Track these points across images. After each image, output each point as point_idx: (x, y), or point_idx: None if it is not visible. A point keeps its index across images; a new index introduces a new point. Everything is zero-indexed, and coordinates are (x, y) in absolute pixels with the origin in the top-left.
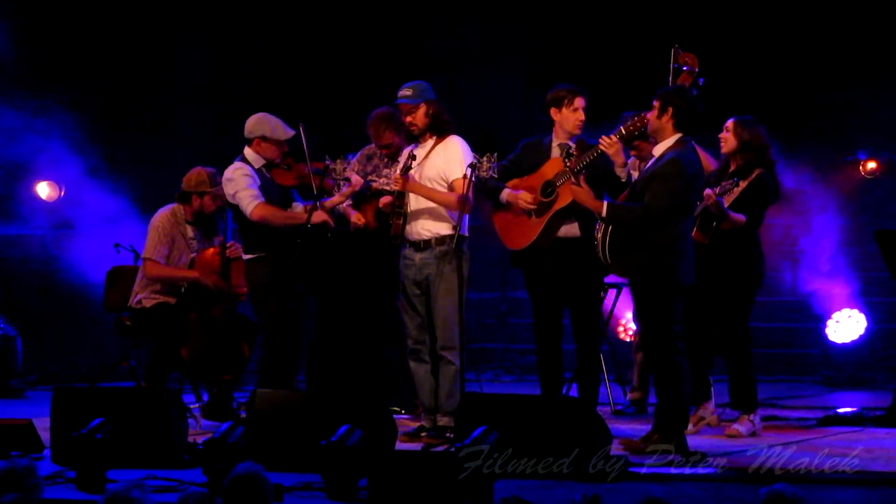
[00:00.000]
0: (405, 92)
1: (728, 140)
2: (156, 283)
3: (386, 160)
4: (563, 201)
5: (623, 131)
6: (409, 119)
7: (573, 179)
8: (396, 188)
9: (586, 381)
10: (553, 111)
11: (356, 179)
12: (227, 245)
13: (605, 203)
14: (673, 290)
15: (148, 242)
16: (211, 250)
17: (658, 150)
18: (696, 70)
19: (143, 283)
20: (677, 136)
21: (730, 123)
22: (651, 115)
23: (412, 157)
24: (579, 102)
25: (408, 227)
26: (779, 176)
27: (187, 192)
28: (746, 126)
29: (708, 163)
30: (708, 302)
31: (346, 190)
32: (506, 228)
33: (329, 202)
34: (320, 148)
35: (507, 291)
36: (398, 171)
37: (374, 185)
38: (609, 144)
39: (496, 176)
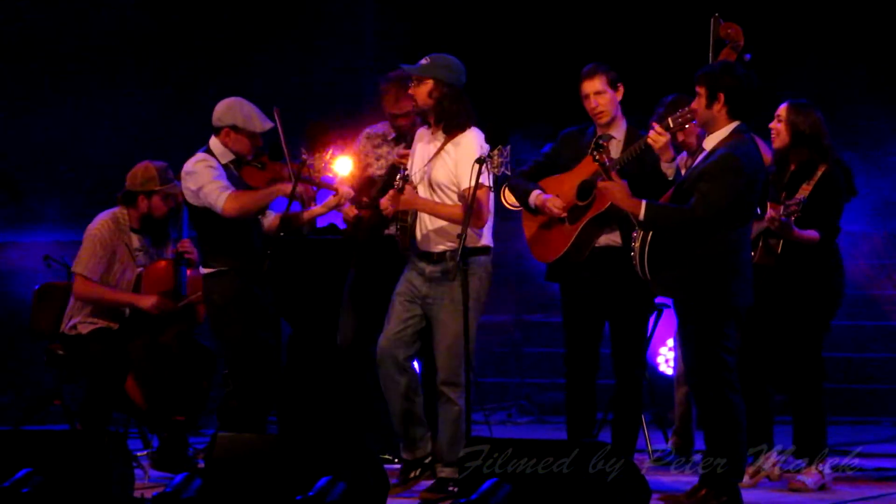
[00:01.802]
0: (423, 61)
1: (780, 132)
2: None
3: (391, 135)
4: (600, 206)
5: (671, 123)
6: (411, 90)
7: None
8: (394, 206)
9: (624, 422)
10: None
11: (344, 191)
12: (185, 251)
13: (644, 203)
14: (726, 313)
15: (81, 254)
16: (163, 263)
17: (709, 144)
18: (741, 44)
19: (79, 305)
20: (733, 125)
21: (781, 110)
22: (698, 105)
23: (404, 178)
24: (585, 88)
25: (419, 240)
26: (847, 165)
27: (132, 191)
28: (801, 112)
29: (765, 154)
30: (774, 327)
31: (330, 200)
32: (535, 237)
33: (308, 213)
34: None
35: (521, 314)
36: (394, 189)
37: (370, 170)
38: (657, 137)
39: (509, 172)
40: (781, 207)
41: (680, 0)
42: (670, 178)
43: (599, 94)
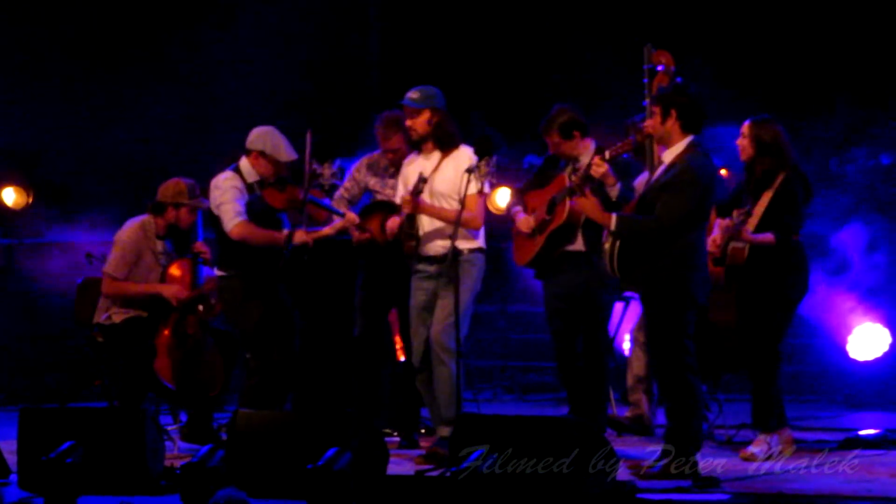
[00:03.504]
0: (412, 95)
1: (746, 147)
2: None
3: (391, 170)
4: (559, 219)
5: (607, 155)
6: (409, 122)
7: (570, 198)
8: (406, 211)
9: (593, 398)
10: None
11: (350, 216)
12: (200, 251)
13: (614, 216)
14: (687, 304)
15: (110, 256)
16: (181, 261)
17: (668, 157)
18: (673, 69)
19: (108, 299)
20: (687, 139)
21: (745, 127)
22: (654, 122)
23: (423, 180)
24: (547, 139)
25: (422, 245)
26: (804, 172)
27: (163, 203)
28: (764, 126)
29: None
30: (743, 318)
31: (337, 224)
32: (517, 244)
33: (318, 234)
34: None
35: (506, 305)
36: (407, 193)
37: (378, 196)
38: (596, 169)
39: (494, 181)
40: (734, 219)
41: (619, 33)
42: (613, 199)
43: (557, 145)
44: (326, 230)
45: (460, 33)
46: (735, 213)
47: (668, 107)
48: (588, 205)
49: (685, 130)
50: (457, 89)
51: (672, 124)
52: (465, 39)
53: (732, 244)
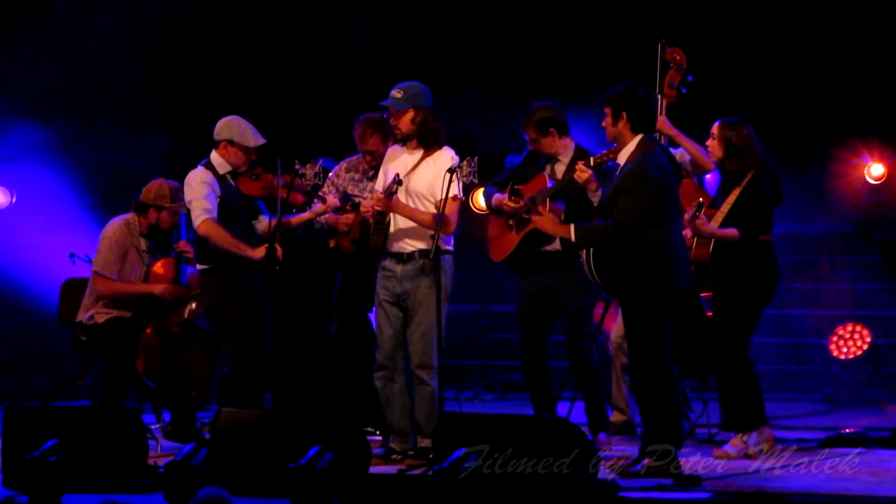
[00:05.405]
0: (395, 94)
1: (715, 148)
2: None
3: (371, 172)
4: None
5: (592, 161)
6: (393, 122)
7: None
8: (379, 208)
9: (590, 398)
10: None
11: (331, 200)
12: (183, 250)
13: (572, 227)
14: (667, 298)
15: (98, 255)
16: (165, 260)
17: (622, 158)
18: (685, 66)
19: (93, 298)
20: (637, 138)
21: (714, 129)
22: (606, 123)
23: (398, 181)
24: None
25: (391, 241)
26: (776, 174)
27: (145, 203)
28: (733, 128)
29: (704, 159)
30: (714, 315)
31: (317, 208)
32: (492, 239)
33: (297, 219)
34: (287, 150)
35: (487, 305)
36: (382, 192)
37: (356, 199)
38: (580, 174)
39: (476, 181)
40: (688, 214)
41: (635, 28)
42: (595, 205)
43: (534, 140)
44: (307, 215)
45: (445, 29)
46: (690, 208)
47: (619, 109)
48: (544, 221)
49: (635, 131)
50: (441, 86)
51: (623, 126)
52: (450, 35)
53: (697, 241)
